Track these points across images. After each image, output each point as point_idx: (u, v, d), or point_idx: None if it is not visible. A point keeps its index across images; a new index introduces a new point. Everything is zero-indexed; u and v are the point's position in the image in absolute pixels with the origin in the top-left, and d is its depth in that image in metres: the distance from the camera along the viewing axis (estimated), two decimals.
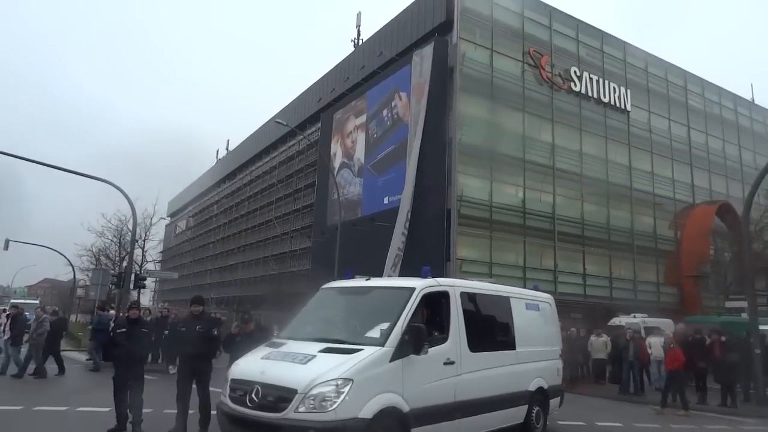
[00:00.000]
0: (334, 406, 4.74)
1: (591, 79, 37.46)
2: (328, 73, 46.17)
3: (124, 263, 38.58)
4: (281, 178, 51.20)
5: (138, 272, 19.30)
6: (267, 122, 58.65)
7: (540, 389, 7.60)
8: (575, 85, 36.61)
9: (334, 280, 28.83)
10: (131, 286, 18.27)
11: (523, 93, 34.55)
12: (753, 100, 50.56)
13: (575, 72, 36.78)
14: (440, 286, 6.34)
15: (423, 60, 32.70)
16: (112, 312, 16.70)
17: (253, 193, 57.46)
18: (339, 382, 4.85)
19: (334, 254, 36.01)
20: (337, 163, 41.24)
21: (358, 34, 45.05)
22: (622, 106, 39.05)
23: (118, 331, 7.24)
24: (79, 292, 53.11)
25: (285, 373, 5.05)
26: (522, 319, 7.63)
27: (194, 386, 7.01)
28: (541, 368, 7.91)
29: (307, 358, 5.15)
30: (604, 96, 38.03)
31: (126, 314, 7.50)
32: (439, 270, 29.79)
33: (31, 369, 12.58)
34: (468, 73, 32.39)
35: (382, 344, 5.31)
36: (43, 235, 79.80)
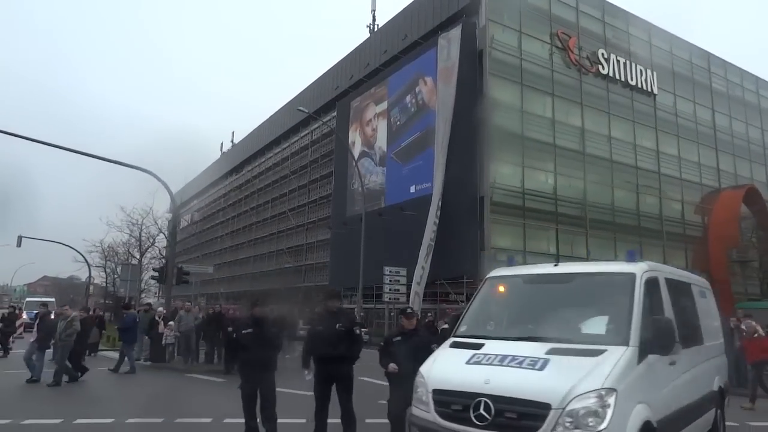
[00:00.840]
0: (603, 425, 3.74)
1: (618, 61, 36.44)
2: (342, 60, 44.90)
3: (144, 258, 37.53)
4: (294, 169, 49.99)
5: (179, 267, 18.25)
6: (275, 113, 57.55)
7: (720, 389, 6.65)
8: (603, 67, 35.58)
9: (357, 271, 27.71)
10: (173, 281, 17.22)
11: (552, 76, 33.52)
12: None
13: (602, 54, 35.74)
14: (654, 271, 5.30)
15: (450, 43, 31.54)
16: (133, 311, 15.61)
17: (264, 185, 56.22)
18: (602, 392, 3.84)
19: (355, 245, 35.10)
20: (356, 152, 40.04)
21: (374, 19, 43.92)
22: (649, 89, 38.06)
23: (243, 332, 6.17)
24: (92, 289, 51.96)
25: (522, 382, 4.03)
26: (701, 308, 6.64)
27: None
28: (720, 364, 6.95)
29: (539, 363, 4.14)
30: (631, 79, 37.03)
31: (250, 312, 6.41)
32: (474, 260, 28.89)
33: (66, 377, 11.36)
34: (497, 56, 31.32)
35: (625, 343, 4.31)
36: (45, 233, 78.30)
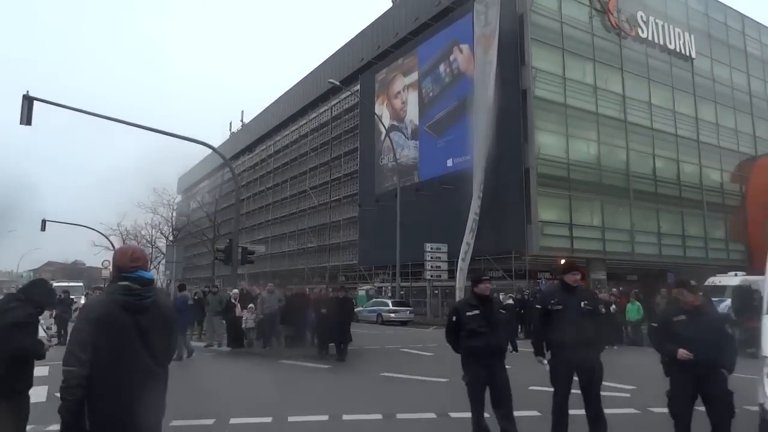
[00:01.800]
0: None
1: (657, 24, 35.01)
2: (364, 31, 43.27)
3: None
4: (314, 146, 48.59)
5: (243, 247, 17.19)
6: (290, 90, 55.94)
7: None
8: (642, 31, 34.16)
9: (387, 249, 26.63)
10: (239, 261, 16.18)
11: (593, 41, 32.15)
12: None
13: (641, 17, 34.29)
14: None
15: (488, 8, 30.06)
16: (186, 292, 14.57)
17: (281, 165, 54.82)
18: None
19: (386, 223, 34.10)
20: (384, 127, 38.71)
21: None
22: (687, 53, 36.70)
23: (468, 314, 5.08)
24: (104, 273, 50.86)
25: None
26: None
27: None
28: None
29: None
30: (670, 42, 35.64)
31: (471, 291, 5.31)
32: (520, 234, 27.89)
33: None
34: (537, 20, 29.88)
35: None
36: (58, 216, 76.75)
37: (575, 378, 5.10)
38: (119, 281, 2.86)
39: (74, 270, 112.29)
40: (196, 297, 16.62)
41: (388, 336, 19.23)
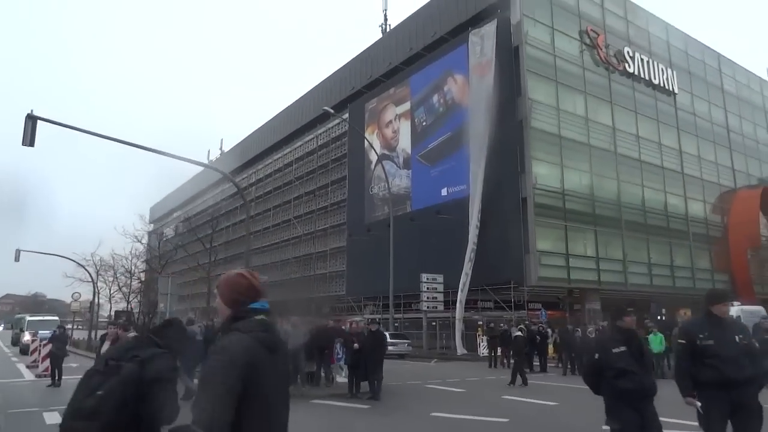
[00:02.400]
0: None
1: (642, 60, 35.99)
2: (353, 61, 43.28)
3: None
4: (300, 175, 47.91)
5: None
6: (273, 119, 55.47)
7: None
8: (629, 66, 35.03)
9: (377, 280, 25.99)
10: None
11: (584, 75, 32.77)
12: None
13: (628, 52, 35.21)
14: None
15: (484, 39, 30.39)
16: (197, 327, 13.64)
17: (264, 193, 53.86)
18: None
19: (376, 252, 33.53)
20: (374, 156, 38.39)
21: (385, 19, 42.46)
22: (670, 88, 37.75)
23: (614, 350, 4.53)
24: (74, 306, 48.49)
25: None
26: None
27: None
28: None
29: None
30: (654, 78, 36.62)
31: (613, 325, 4.75)
32: (518, 264, 27.60)
33: None
34: (532, 53, 30.30)
35: None
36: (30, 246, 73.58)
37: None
38: (249, 314, 2.30)
39: (35, 303, 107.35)
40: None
41: (396, 371, 18.42)
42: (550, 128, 30.11)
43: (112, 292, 50.24)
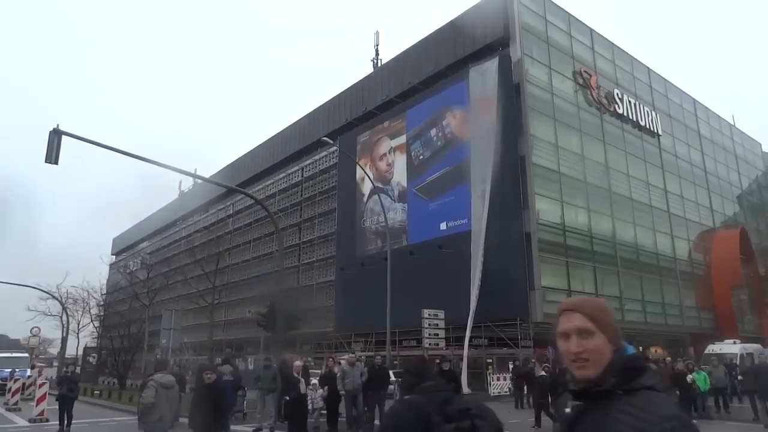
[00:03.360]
0: None
1: (630, 102, 37.06)
2: (344, 93, 43.05)
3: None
4: (284, 207, 46.74)
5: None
6: (255, 149, 54.43)
7: None
8: (618, 107, 35.97)
9: (367, 315, 25.22)
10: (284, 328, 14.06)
11: (578, 113, 33.39)
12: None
13: (617, 94, 36.21)
14: None
15: (485, 75, 30.61)
16: (227, 366, 12.46)
17: (243, 225, 52.24)
18: None
19: (366, 287, 32.64)
20: (366, 189, 37.85)
21: (377, 53, 42.61)
22: (655, 130, 38.92)
23: None
24: (32, 342, 45.24)
25: None
26: None
27: None
28: None
29: None
30: (641, 119, 37.71)
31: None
32: (523, 301, 27.19)
33: None
34: (532, 90, 30.70)
35: None
36: None
37: None
38: None
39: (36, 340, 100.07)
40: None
41: None
42: (550, 165, 30.31)
43: (81, 325, 47.21)
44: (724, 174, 46.43)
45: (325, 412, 11.49)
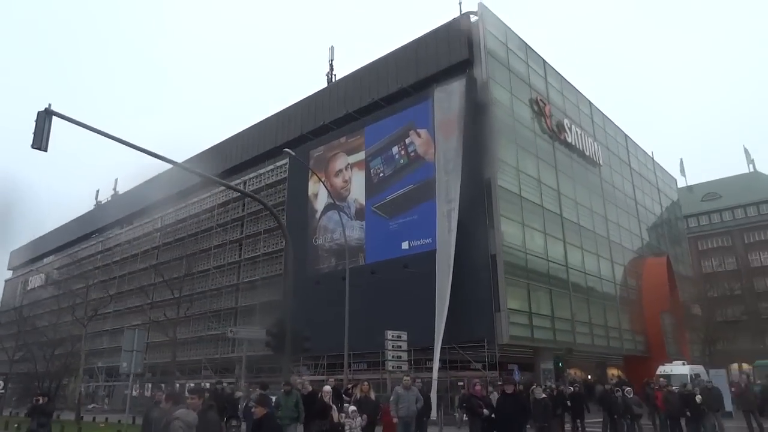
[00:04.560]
0: None
1: (577, 132, 38.63)
2: (295, 106, 41.65)
3: None
4: (224, 221, 44.11)
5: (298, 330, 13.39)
6: (191, 158, 51.22)
7: None
8: (568, 136, 37.36)
9: (317, 338, 24.43)
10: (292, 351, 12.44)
11: (535, 140, 34.25)
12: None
13: (566, 123, 37.63)
14: None
15: (451, 96, 30.68)
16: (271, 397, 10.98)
17: (173, 240, 48.72)
18: None
19: (318, 308, 31.20)
20: (320, 205, 36.55)
21: (331, 68, 41.78)
22: (597, 160, 40.81)
23: None
24: None
25: None
26: None
27: None
28: None
29: None
30: (586, 150, 39.40)
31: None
32: (489, 323, 27.01)
33: None
34: (497, 113, 31.09)
35: None
36: None
37: None
38: None
39: None
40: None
41: None
42: (512, 188, 30.67)
43: None
44: (649, 205, 49.56)
45: None
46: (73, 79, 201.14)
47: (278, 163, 41.16)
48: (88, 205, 66.97)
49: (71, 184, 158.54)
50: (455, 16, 33.39)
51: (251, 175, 43.31)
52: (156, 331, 47.91)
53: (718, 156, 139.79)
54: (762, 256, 62.68)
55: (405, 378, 11.36)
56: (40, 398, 11.07)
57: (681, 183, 63.40)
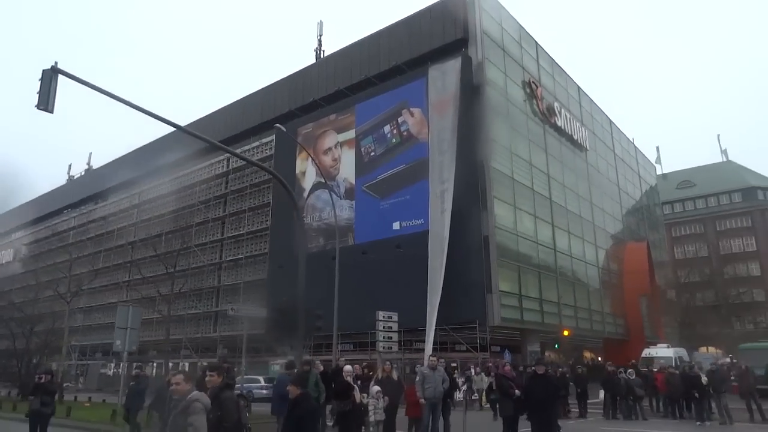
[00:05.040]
0: None
1: (566, 116, 38.62)
2: (282, 81, 40.60)
3: None
4: (206, 198, 43.02)
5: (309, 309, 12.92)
6: (171, 134, 49.69)
7: None
8: (557, 119, 37.32)
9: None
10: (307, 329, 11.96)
11: (527, 122, 34.10)
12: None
13: (557, 107, 37.56)
14: None
15: (446, 75, 30.18)
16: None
17: (153, 216, 47.31)
18: None
19: (306, 288, 30.67)
20: (308, 184, 35.88)
21: (320, 44, 40.79)
22: (584, 145, 40.97)
23: None
24: None
25: None
26: None
27: None
28: None
29: None
30: (574, 134, 39.47)
31: None
32: (480, 304, 26.97)
33: None
34: (491, 94, 30.77)
35: None
36: None
37: None
38: None
39: None
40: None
41: None
42: (505, 170, 30.51)
43: None
44: (631, 191, 50.19)
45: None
46: (47, 47, 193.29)
47: (264, 140, 40.19)
48: (60, 180, 64.56)
49: (43, 159, 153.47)
50: None
51: (238, 151, 42.12)
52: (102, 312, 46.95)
53: (692, 145, 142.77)
54: (732, 244, 64.37)
55: (431, 358, 11.04)
56: (43, 376, 10.41)
57: (657, 171, 64.39)
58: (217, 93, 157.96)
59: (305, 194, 35.74)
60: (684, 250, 66.06)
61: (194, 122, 46.68)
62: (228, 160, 42.89)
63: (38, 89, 9.34)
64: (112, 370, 47.31)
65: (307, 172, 36.20)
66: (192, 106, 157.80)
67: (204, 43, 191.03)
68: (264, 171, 39.43)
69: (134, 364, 29.02)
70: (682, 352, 29.82)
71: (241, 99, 43.43)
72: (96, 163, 61.67)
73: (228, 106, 43.92)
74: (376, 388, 10.03)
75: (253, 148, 41.00)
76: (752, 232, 63.97)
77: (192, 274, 42.40)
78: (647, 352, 28.84)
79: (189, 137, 44.84)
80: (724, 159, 73.82)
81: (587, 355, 37.86)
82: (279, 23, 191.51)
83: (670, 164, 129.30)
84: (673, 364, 25.75)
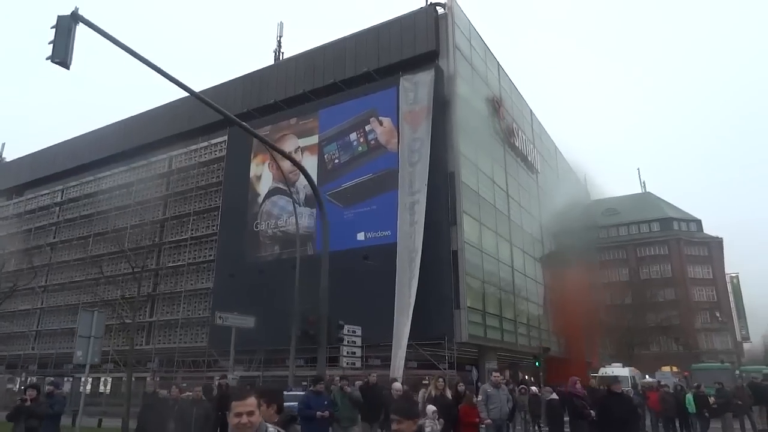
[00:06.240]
0: None
1: (523, 137, 39.36)
2: (238, 80, 38.53)
3: None
4: (142, 199, 39.73)
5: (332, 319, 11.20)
6: (105, 128, 45.95)
7: None
8: (516, 140, 37.90)
9: (251, 331, 23.00)
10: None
11: (490, 139, 34.31)
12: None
13: (515, 128, 38.17)
14: None
15: (418, 86, 29.71)
16: (321, 385, 9.24)
17: (78, 216, 43.14)
18: None
19: (259, 298, 28.89)
20: (263, 189, 34.00)
21: (279, 45, 39.18)
22: (537, 167, 41.93)
23: None
24: None
25: None
26: None
27: None
28: None
29: None
30: (528, 155, 40.28)
31: None
32: (448, 320, 26.39)
33: None
34: (461, 108, 30.61)
35: None
36: None
37: None
38: None
39: None
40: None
41: None
42: (472, 185, 30.35)
43: None
44: (571, 215, 51.91)
45: None
46: None
47: (213, 141, 37.85)
48: None
49: None
50: (421, 6, 32.54)
51: (180, 151, 39.44)
52: (50, 315, 42.53)
53: (614, 175, 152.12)
54: (651, 270, 68.58)
55: (495, 374, 10.05)
56: (27, 397, 8.29)
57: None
58: (165, 88, 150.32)
59: (260, 200, 33.85)
60: (607, 275, 69.47)
61: (137, 116, 43.49)
62: (170, 160, 39.98)
63: (53, 38, 7.61)
64: (17, 386, 42.37)
65: (262, 176, 34.36)
66: (135, 100, 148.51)
67: (152, 35, 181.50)
68: (202, 176, 37.07)
69: (46, 378, 25.84)
70: (636, 372, 30.66)
71: (189, 96, 40.69)
72: (9, 155, 55.69)
73: (176, 101, 41.04)
74: (432, 407, 8.92)
75: (201, 147, 38.49)
76: (668, 259, 68.65)
77: (124, 280, 38.90)
78: (603, 371, 29.38)
79: (125, 133, 41.67)
80: (643, 190, 78.83)
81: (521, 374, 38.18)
82: (235, 22, 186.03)
83: (594, 192, 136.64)
84: (629, 384, 26.37)
